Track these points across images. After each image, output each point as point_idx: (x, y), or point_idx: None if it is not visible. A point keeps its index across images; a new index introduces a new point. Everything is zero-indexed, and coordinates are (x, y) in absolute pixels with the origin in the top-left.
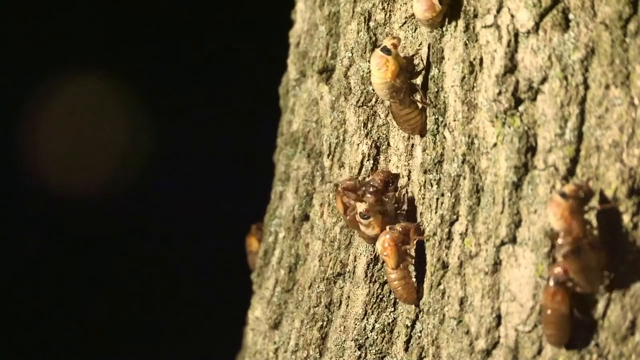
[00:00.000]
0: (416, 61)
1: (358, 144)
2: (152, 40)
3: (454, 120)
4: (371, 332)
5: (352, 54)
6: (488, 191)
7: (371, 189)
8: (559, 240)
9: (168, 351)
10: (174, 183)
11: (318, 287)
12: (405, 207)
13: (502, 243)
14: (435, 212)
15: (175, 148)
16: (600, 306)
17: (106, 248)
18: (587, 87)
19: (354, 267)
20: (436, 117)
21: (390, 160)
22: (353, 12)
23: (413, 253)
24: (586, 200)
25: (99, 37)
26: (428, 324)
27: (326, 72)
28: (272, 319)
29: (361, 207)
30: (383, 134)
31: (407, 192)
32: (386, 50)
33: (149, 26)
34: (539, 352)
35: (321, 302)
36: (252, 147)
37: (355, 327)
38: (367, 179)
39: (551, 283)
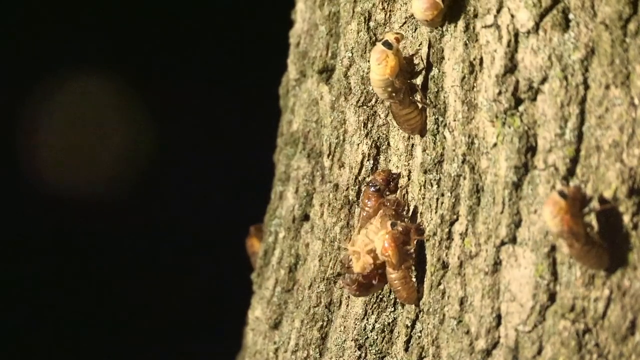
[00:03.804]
0: (416, 61)
1: (358, 144)
2: (152, 40)
3: (454, 120)
4: (371, 332)
5: (352, 54)
6: (488, 191)
7: (372, 189)
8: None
9: (168, 351)
10: (173, 183)
11: (318, 287)
12: (406, 208)
13: (502, 243)
14: (435, 212)
15: (175, 148)
16: (600, 306)
17: (106, 248)
18: (587, 87)
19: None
20: (436, 117)
21: (390, 160)
22: (353, 12)
23: (413, 254)
24: (583, 203)
25: (99, 37)
26: (428, 324)
27: (326, 72)
28: (272, 319)
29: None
30: (383, 134)
31: (407, 192)
32: (387, 44)
33: (149, 26)
34: (539, 352)
35: (321, 302)
36: (252, 147)
37: (355, 327)
38: (367, 179)
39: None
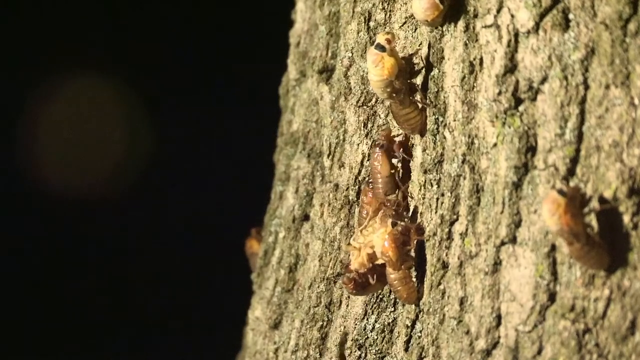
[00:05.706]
0: (416, 61)
1: (358, 144)
2: (152, 40)
3: (454, 120)
4: (371, 332)
5: (352, 54)
6: (488, 191)
7: (378, 149)
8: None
9: (168, 351)
10: (173, 183)
11: (318, 287)
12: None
13: (502, 243)
14: (435, 212)
15: (175, 148)
16: (600, 306)
17: (106, 248)
18: (587, 87)
19: None
20: (436, 117)
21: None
22: (353, 12)
23: (413, 254)
24: (583, 203)
25: (99, 36)
26: (428, 324)
27: (326, 72)
28: (272, 319)
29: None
30: None
31: (406, 192)
32: (380, 47)
33: (149, 26)
34: (539, 352)
35: (321, 302)
36: (252, 147)
37: (355, 327)
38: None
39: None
